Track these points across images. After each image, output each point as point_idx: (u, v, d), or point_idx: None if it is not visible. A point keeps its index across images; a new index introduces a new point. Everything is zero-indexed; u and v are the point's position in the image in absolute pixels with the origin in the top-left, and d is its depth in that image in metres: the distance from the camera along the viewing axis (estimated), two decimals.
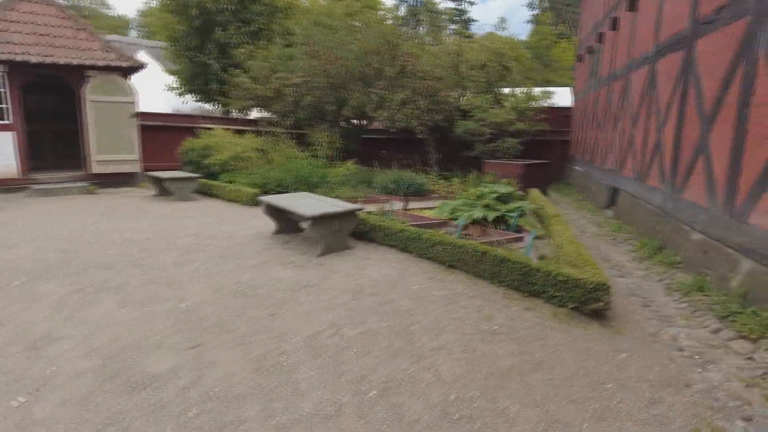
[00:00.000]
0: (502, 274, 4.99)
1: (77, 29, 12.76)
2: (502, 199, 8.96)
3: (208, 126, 15.56)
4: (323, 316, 4.19)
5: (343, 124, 17.27)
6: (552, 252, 6.53)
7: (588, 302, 4.31)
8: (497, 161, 14.00)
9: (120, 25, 54.07)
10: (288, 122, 16.02)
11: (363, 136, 20.31)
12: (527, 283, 4.77)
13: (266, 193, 11.76)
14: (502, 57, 19.93)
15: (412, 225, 8.11)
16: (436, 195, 13.01)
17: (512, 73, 20.06)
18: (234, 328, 3.96)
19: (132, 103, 13.16)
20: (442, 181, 15.07)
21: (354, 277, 5.33)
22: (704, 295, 4.96)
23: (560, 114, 19.53)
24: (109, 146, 13.04)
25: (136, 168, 13.47)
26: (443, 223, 8.60)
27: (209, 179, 13.52)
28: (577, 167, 16.10)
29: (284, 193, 12.01)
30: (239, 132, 15.25)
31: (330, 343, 3.68)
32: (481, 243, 6.54)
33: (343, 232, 6.51)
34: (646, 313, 4.76)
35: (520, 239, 7.48)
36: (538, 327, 4.15)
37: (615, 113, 11.01)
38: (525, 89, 18.79)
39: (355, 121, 17.15)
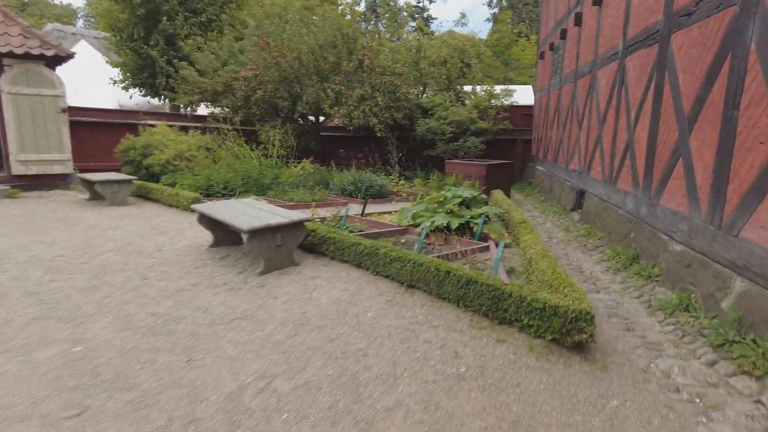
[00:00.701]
0: (469, 298, 4.32)
1: None
2: (466, 203, 8.35)
3: (152, 122, 14.34)
4: (253, 363, 3.38)
5: (300, 121, 16.33)
6: (522, 265, 5.93)
7: (569, 333, 3.68)
8: (459, 161, 13.43)
9: (65, 14, 50.87)
10: (239, 119, 14.97)
11: (321, 134, 19.45)
12: (498, 309, 4.11)
13: (210, 196, 10.80)
14: (464, 53, 19.45)
15: (371, 233, 7.39)
16: (398, 197, 12.33)
17: (474, 70, 19.61)
18: (136, 382, 3.11)
19: (60, 96, 11.83)
20: (403, 182, 14.42)
21: (298, 303, 4.55)
22: (691, 317, 4.44)
23: (522, 113, 19.23)
24: (34, 145, 11.69)
25: (67, 169, 12.15)
26: (404, 231, 7.92)
27: (149, 181, 12.39)
28: (539, 167, 15.78)
29: (231, 196, 11.05)
30: (186, 129, 14.11)
31: (256, 404, 2.89)
32: (445, 258, 5.88)
33: (289, 247, 5.70)
34: (631, 340, 4.19)
35: (486, 249, 6.87)
36: (512, 366, 3.48)
37: (580, 112, 10.61)
38: (486, 87, 18.36)
39: (312, 118, 16.24)
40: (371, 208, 10.81)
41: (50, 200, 10.87)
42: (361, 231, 7.88)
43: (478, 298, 4.22)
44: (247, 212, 6.04)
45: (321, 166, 14.89)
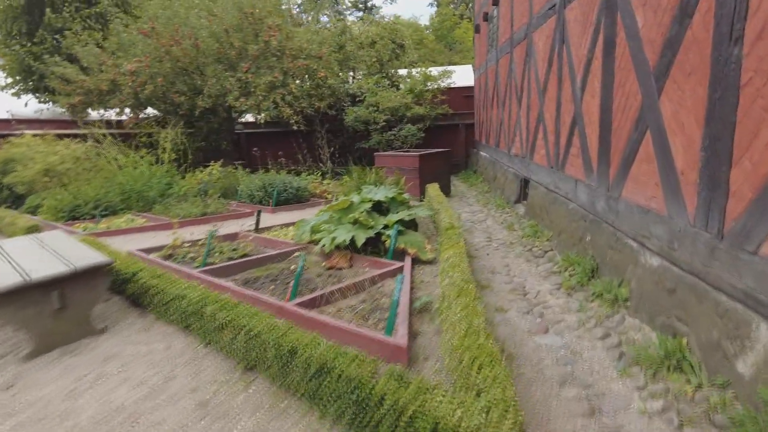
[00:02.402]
0: (324, 398, 2.50)
1: None
2: (384, 207, 6.57)
3: (32, 132, 11.86)
4: None
5: (211, 117, 14.13)
6: (440, 299, 4.18)
7: None
8: (389, 154, 11.67)
9: None
10: (132, 121, 12.68)
11: (246, 131, 17.30)
12: (366, 424, 2.30)
13: (75, 219, 8.59)
14: (395, 33, 17.67)
15: (256, 258, 5.53)
16: (322, 200, 10.47)
17: (408, 51, 17.87)
18: None
19: None
20: (332, 181, 12.56)
21: (50, 423, 2.63)
22: (688, 383, 2.79)
23: (463, 95, 17.65)
24: None
25: None
26: (304, 249, 6.09)
27: (15, 204, 10.06)
28: (483, 153, 14.22)
29: (106, 216, 8.89)
30: (73, 137, 11.75)
31: None
32: (338, 295, 4.07)
33: (80, 309, 3.73)
34: None
35: (400, 270, 5.09)
36: None
37: (519, 86, 9.00)
38: (422, 70, 16.65)
39: (224, 114, 14.06)
40: (284, 217, 8.94)
41: None
42: (244, 256, 5.99)
43: (337, 401, 2.41)
44: (27, 254, 4.03)
45: (244, 168, 12.83)
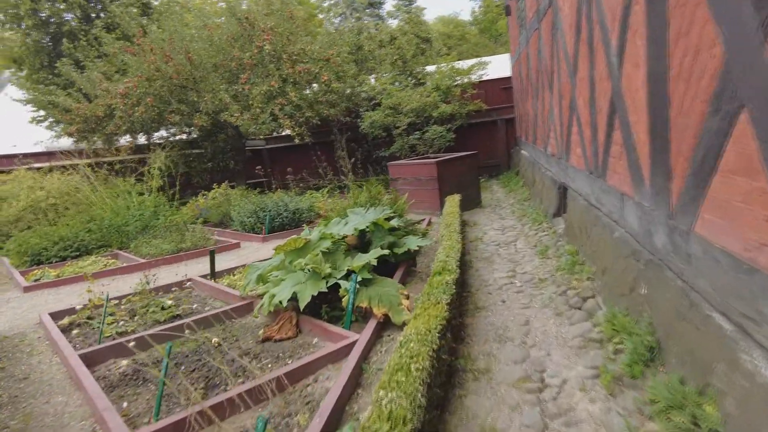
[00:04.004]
0: None
1: None
2: (364, 241, 4.95)
3: (39, 166, 11.28)
4: None
5: (216, 136, 13.08)
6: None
7: None
8: (403, 162, 10.00)
9: None
10: (129, 147, 11.82)
11: (265, 147, 16.21)
12: None
13: (40, 263, 7.60)
14: (419, 27, 15.97)
15: (185, 322, 4.09)
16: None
17: (435, 45, 16.11)
18: None
19: None
20: (347, 195, 11.05)
21: None
22: None
23: (500, 87, 15.60)
24: None
25: None
26: (249, 306, 4.61)
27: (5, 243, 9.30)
28: (524, 152, 12.18)
29: (76, 258, 7.86)
30: (73, 168, 11.02)
31: None
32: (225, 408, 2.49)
33: None
34: None
35: (351, 346, 3.44)
36: None
37: (548, 67, 7.07)
38: (449, 64, 14.80)
39: (231, 132, 12.95)
40: (274, 245, 7.48)
41: None
42: (173, 318, 4.58)
43: None
44: None
45: (259, 188, 11.66)
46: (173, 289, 5.65)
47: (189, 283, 5.86)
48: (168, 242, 7.68)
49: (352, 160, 14.38)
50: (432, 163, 9.06)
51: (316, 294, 3.87)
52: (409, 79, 14.89)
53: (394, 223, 5.28)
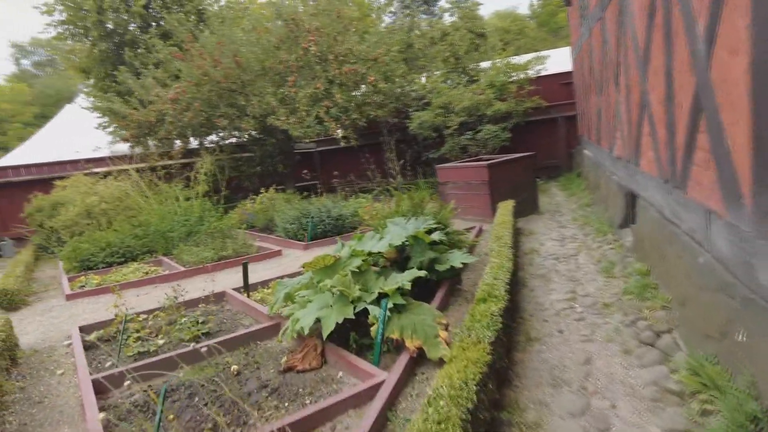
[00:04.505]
0: None
1: None
2: (401, 256, 4.52)
3: (98, 170, 11.68)
4: None
5: (265, 140, 13.04)
6: None
7: None
8: (451, 165, 9.44)
9: None
10: (180, 152, 11.98)
11: (316, 150, 16.11)
12: None
13: (89, 268, 7.70)
14: (473, 22, 15.27)
15: (213, 343, 3.84)
16: (369, 229, 8.59)
17: (488, 41, 15.35)
18: None
19: None
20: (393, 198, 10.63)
21: None
22: None
23: (560, 82, 14.64)
24: None
25: None
26: (276, 327, 4.30)
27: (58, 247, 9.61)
28: (586, 152, 11.25)
29: (123, 263, 7.91)
30: (126, 173, 11.30)
31: None
32: None
33: None
34: None
35: (377, 388, 2.99)
36: None
37: (613, 59, 6.30)
38: (505, 59, 14.00)
39: (280, 136, 12.85)
40: (316, 255, 7.17)
41: None
42: (203, 336, 4.33)
43: None
44: None
45: (301, 192, 11.49)
46: (206, 302, 5.43)
47: (219, 295, 5.63)
48: (209, 250, 7.56)
49: (401, 162, 13.92)
50: (483, 166, 8.44)
51: (341, 321, 3.45)
52: (462, 76, 14.22)
53: (435, 236, 4.76)
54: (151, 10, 17.22)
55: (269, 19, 12.41)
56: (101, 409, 3.31)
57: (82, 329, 4.78)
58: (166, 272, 7.29)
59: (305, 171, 12.61)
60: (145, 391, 3.51)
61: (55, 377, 4.00)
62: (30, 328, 5.39)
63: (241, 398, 3.24)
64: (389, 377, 3.03)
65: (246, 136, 12.17)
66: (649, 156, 4.66)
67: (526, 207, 8.84)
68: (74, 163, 12.99)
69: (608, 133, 7.38)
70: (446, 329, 3.54)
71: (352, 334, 3.67)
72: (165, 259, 7.98)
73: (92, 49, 17.34)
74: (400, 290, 3.70)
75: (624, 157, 6.09)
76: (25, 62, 50.00)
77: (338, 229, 8.51)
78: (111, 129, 16.30)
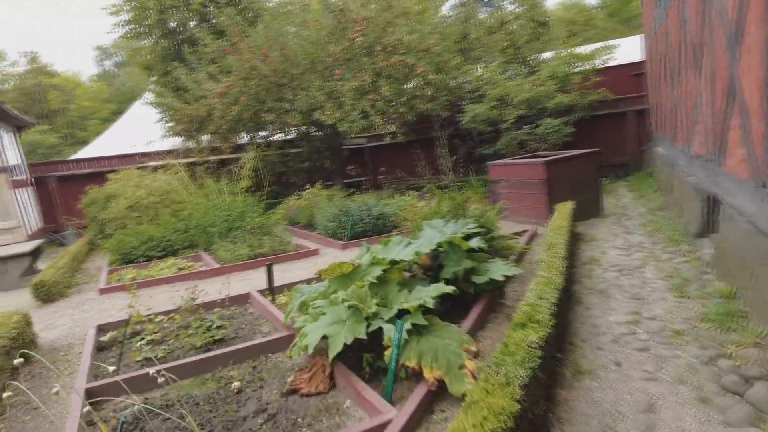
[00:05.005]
0: None
1: None
2: (435, 263, 4.01)
3: (155, 164, 11.94)
4: None
5: (314, 135, 12.83)
6: None
7: None
8: (504, 162, 8.72)
9: None
10: (228, 146, 11.98)
11: (367, 145, 15.77)
12: None
13: (130, 261, 7.73)
14: (534, 10, 14.29)
15: (218, 354, 3.52)
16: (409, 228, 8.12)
17: (551, 30, 14.33)
18: None
19: None
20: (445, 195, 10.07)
21: None
22: None
23: (630, 73, 13.39)
24: None
25: (18, 237, 10.15)
26: (291, 337, 3.91)
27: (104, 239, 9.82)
28: (659, 149, 10.13)
29: (162, 258, 7.88)
30: (189, 166, 11.48)
31: None
32: None
33: None
34: None
35: (384, 427, 2.49)
36: None
37: (694, 41, 5.39)
38: (569, 49, 12.95)
39: (328, 131, 12.59)
40: (354, 255, 6.79)
41: None
42: (215, 343, 4.03)
43: None
44: None
45: (347, 189, 11.19)
46: (227, 305, 5.15)
47: (244, 297, 5.33)
48: (245, 247, 7.34)
49: (454, 158, 13.27)
50: (540, 164, 7.69)
51: (350, 342, 2.98)
52: (521, 67, 13.33)
53: (474, 243, 4.18)
54: (207, 8, 17.55)
55: (321, 13, 12.12)
56: (89, 423, 3.04)
57: (100, 328, 4.61)
58: (203, 268, 7.15)
59: (351, 167, 12.25)
60: (146, 399, 3.22)
61: (61, 379, 3.82)
62: (60, 321, 5.34)
63: (235, 424, 2.85)
64: (398, 417, 2.52)
65: (294, 131, 11.98)
66: (738, 154, 3.83)
67: (588, 209, 7.99)
68: (130, 157, 13.39)
69: (685, 128, 6.43)
70: (475, 357, 2.99)
71: (366, 356, 3.19)
72: (204, 254, 7.87)
73: (155, 47, 17.93)
74: (422, 308, 3.17)
75: (704, 156, 5.20)
76: (108, 63, 53.53)
77: (379, 228, 8.07)
78: (166, 124, 16.81)
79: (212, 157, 12.19)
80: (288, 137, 13.03)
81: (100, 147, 19.05)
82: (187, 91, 12.98)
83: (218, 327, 4.43)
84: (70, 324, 5.17)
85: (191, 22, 17.58)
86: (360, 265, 3.66)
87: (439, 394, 2.85)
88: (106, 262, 8.14)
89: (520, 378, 2.32)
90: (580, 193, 7.79)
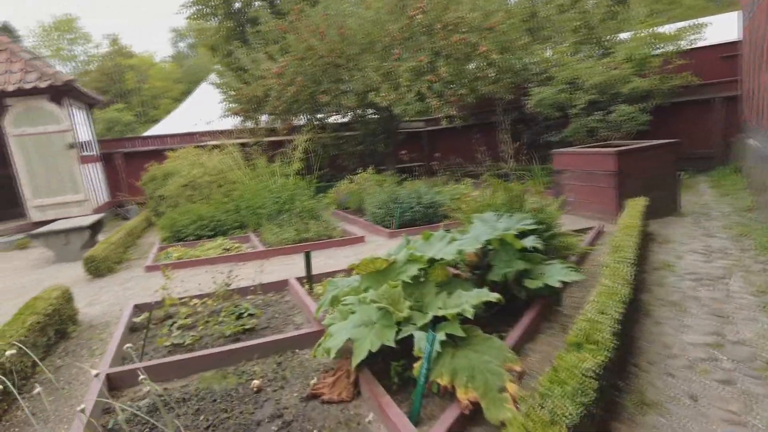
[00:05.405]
0: None
1: None
2: (484, 265, 3.63)
3: (215, 143, 12.13)
4: None
5: (370, 118, 12.53)
6: None
7: None
8: (570, 151, 8.03)
9: None
10: (284, 128, 11.94)
11: (425, 129, 15.33)
12: None
13: (180, 240, 7.84)
14: None
15: (241, 347, 3.36)
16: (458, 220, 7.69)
17: (630, 8, 13.12)
18: None
19: (67, 131, 10.34)
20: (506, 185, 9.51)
21: None
22: None
23: (719, 55, 12.01)
24: (48, 188, 10.42)
25: (85, 210, 10.64)
26: (321, 333, 3.67)
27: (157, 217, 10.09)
28: (752, 141, 8.98)
29: (212, 237, 7.92)
30: (243, 146, 11.59)
31: None
32: None
33: None
34: None
35: None
36: None
37: None
38: (650, 29, 11.76)
39: (384, 114, 12.23)
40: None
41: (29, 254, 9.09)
42: (243, 333, 3.86)
43: None
44: None
45: (400, 174, 10.87)
46: (268, 292, 4.99)
47: (282, 284, 5.15)
48: (291, 230, 7.20)
49: (517, 144, 12.53)
50: (610, 154, 6.97)
51: (375, 350, 2.66)
52: (594, 48, 12.29)
53: (528, 242, 3.72)
54: None
55: None
56: (105, 411, 2.93)
57: (138, 307, 4.58)
58: (249, 250, 7.09)
59: (404, 152, 11.86)
60: (165, 390, 3.09)
61: (92, 359, 3.78)
62: (104, 297, 5.40)
63: (247, 429, 2.62)
64: (437, 427, 2.18)
65: (349, 113, 11.74)
66: None
67: (663, 206, 7.19)
68: (191, 136, 13.69)
69: None
70: (519, 378, 2.58)
71: (394, 364, 2.86)
72: (253, 235, 7.83)
73: (219, 28, 18.22)
74: (460, 316, 2.78)
75: None
76: (182, 45, 55.77)
77: (429, 217, 7.68)
78: (225, 104, 17.06)
79: (267, 138, 12.21)
80: (343, 120, 12.82)
81: (167, 126, 19.80)
82: (247, 71, 13.03)
83: (250, 315, 4.26)
84: (113, 301, 5.20)
85: (255, 2, 17.69)
86: (395, 261, 3.31)
87: (473, 418, 2.47)
88: (159, 239, 8.30)
89: (569, 417, 1.90)
90: (655, 188, 7.02)
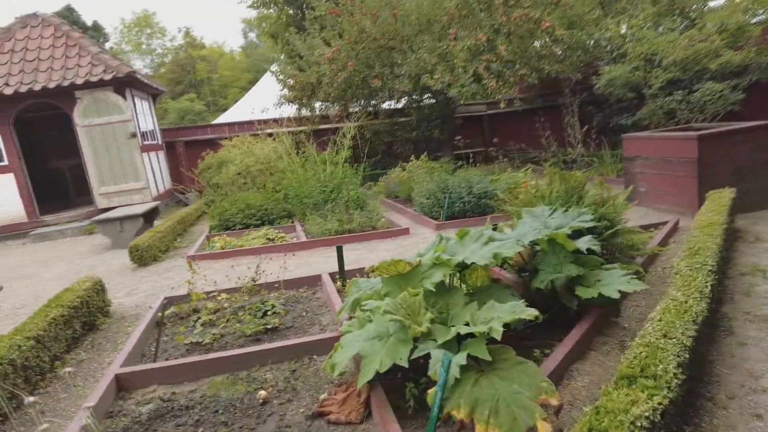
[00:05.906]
0: None
1: (70, 46, 10.85)
2: (531, 263, 3.17)
3: (270, 131, 12.17)
4: None
5: (427, 100, 12.06)
6: None
7: None
8: (643, 135, 7.14)
9: None
10: (338, 114, 11.74)
11: (486, 113, 14.61)
12: None
13: (227, 228, 7.86)
14: None
15: (259, 350, 3.17)
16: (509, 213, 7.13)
17: None
18: None
19: (129, 121, 10.70)
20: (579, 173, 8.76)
21: None
22: None
23: None
24: (112, 175, 10.89)
25: (145, 198, 11.02)
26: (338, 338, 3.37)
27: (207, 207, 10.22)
28: None
29: (259, 226, 7.86)
30: (296, 134, 11.54)
31: None
32: None
33: None
34: None
35: None
36: None
37: None
38: None
39: (441, 98, 11.68)
40: (450, 234, 6.07)
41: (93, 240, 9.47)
42: (264, 333, 3.65)
43: None
44: None
45: (456, 162, 10.39)
46: (300, 287, 4.76)
47: (315, 279, 4.90)
48: (334, 221, 6.95)
49: (585, 128, 11.54)
50: (690, 138, 6.09)
51: (384, 370, 2.29)
52: (678, 19, 10.98)
53: (582, 244, 3.18)
54: None
55: None
56: (107, 415, 2.79)
57: (168, 300, 4.49)
58: (294, 240, 6.93)
59: (458, 137, 11.26)
60: (174, 394, 2.91)
61: (113, 355, 3.70)
62: (142, 287, 5.41)
63: None
64: None
65: (404, 99, 11.31)
66: None
67: (755, 199, 6.20)
68: (249, 124, 13.80)
69: None
70: (556, 413, 2.11)
71: (410, 386, 2.48)
72: (298, 225, 7.69)
73: (279, 15, 18.31)
74: (493, 332, 2.34)
75: None
76: (252, 35, 57.37)
77: (481, 208, 7.14)
78: (282, 91, 17.06)
79: (320, 126, 12.07)
80: (397, 105, 12.41)
81: (232, 114, 20.29)
82: (302, 58, 12.91)
83: (275, 313, 4.03)
84: (149, 291, 5.18)
85: None
86: (420, 263, 2.90)
87: None
88: (208, 227, 8.36)
89: None
90: (746, 178, 6.07)
